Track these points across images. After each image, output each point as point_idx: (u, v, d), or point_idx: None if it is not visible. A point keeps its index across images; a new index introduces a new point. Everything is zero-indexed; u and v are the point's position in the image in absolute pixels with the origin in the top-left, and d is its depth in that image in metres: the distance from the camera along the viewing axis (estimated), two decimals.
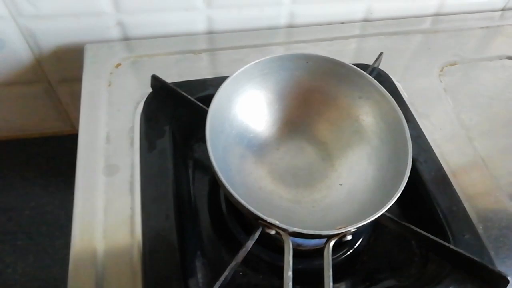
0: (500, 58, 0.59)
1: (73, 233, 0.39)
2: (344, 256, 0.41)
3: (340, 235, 0.32)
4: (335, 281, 0.40)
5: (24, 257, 0.63)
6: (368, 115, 0.42)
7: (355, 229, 0.33)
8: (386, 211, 0.33)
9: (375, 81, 0.40)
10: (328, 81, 0.43)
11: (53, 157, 0.73)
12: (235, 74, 0.39)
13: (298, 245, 0.40)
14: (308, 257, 0.41)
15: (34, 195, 0.69)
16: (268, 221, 0.31)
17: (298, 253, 0.40)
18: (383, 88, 0.40)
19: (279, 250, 0.36)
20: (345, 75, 0.42)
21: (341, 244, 0.42)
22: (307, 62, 0.42)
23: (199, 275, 0.39)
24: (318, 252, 0.39)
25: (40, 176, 0.71)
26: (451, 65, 0.57)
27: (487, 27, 0.64)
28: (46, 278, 0.61)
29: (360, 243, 0.42)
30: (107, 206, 0.41)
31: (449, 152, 0.47)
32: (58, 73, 0.63)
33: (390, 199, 0.32)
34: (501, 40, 0.62)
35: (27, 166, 0.72)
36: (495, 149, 0.48)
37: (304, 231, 0.31)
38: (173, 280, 0.35)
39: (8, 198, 0.69)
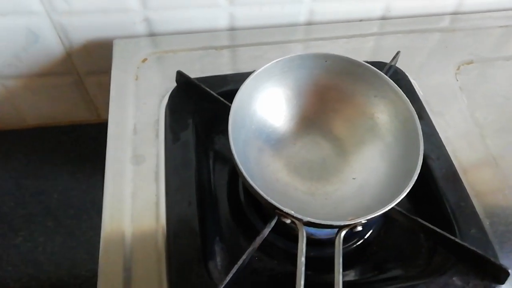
0: None
1: (104, 217, 0.43)
2: (355, 246, 0.43)
3: (351, 226, 0.35)
4: (345, 268, 0.42)
5: (52, 238, 0.67)
6: (383, 113, 0.44)
7: (365, 221, 0.35)
8: (396, 205, 0.35)
9: (391, 80, 0.42)
10: (345, 79, 0.45)
11: (80, 144, 0.77)
12: (256, 72, 0.41)
13: (311, 234, 0.43)
14: (320, 246, 0.43)
15: (62, 180, 0.73)
16: (284, 210, 0.34)
17: (311, 242, 0.43)
18: (398, 88, 0.41)
19: (293, 238, 0.39)
20: (361, 74, 0.44)
21: (352, 234, 0.44)
22: (326, 61, 0.44)
23: (218, 259, 0.42)
24: (330, 242, 0.42)
25: (67, 162, 0.75)
26: (467, 63, 0.58)
27: (506, 26, 0.65)
28: (73, 257, 0.65)
29: (371, 234, 0.44)
30: (134, 193, 0.44)
31: (461, 149, 0.48)
32: (87, 66, 0.66)
33: (400, 195, 0.35)
34: None
35: (56, 152, 0.76)
36: (508, 148, 0.49)
37: (318, 221, 0.34)
38: (195, 262, 0.38)
39: (39, 182, 0.73)
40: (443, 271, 0.39)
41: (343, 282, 0.42)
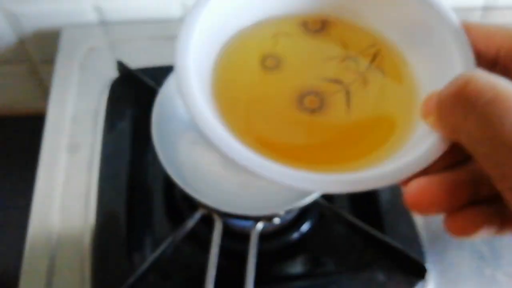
0: None
1: (34, 204, 0.42)
2: (287, 240, 0.43)
3: (267, 218, 0.34)
4: (278, 261, 0.43)
5: (2, 229, 0.66)
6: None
7: (283, 212, 0.35)
8: (334, 200, 0.35)
9: None
10: None
11: (36, 135, 0.76)
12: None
13: (243, 227, 0.42)
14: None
15: (15, 170, 0.72)
16: (199, 200, 0.34)
17: (243, 236, 0.42)
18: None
19: (229, 233, 0.38)
20: None
21: (287, 228, 0.44)
22: None
23: (147, 251, 0.41)
24: (265, 237, 0.41)
25: (20, 152, 0.73)
26: None
27: None
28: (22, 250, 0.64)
29: (305, 229, 0.44)
30: (66, 182, 0.43)
31: None
32: (40, 54, 0.65)
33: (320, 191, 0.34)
34: None
35: (10, 142, 0.75)
36: None
37: (232, 212, 0.33)
38: (117, 253, 0.38)
39: None
40: (369, 266, 0.39)
41: (277, 275, 0.42)
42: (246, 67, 0.24)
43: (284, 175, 0.18)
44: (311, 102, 0.23)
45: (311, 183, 0.18)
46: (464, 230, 0.17)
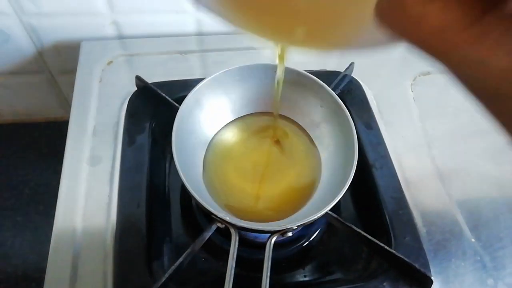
0: None
1: (56, 215, 0.44)
2: (297, 248, 0.45)
3: (281, 232, 0.36)
4: (287, 270, 0.45)
5: (21, 233, 0.69)
6: (327, 123, 0.46)
7: (296, 227, 0.37)
8: (341, 210, 0.37)
9: (333, 92, 0.44)
10: (295, 89, 0.47)
11: (53, 141, 0.79)
12: (205, 80, 0.43)
13: (255, 237, 0.44)
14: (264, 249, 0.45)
15: (34, 176, 0.75)
16: (218, 215, 0.36)
17: (256, 245, 0.45)
18: (339, 99, 0.43)
19: (241, 242, 0.40)
20: (309, 85, 0.45)
21: (297, 237, 0.46)
22: (274, 72, 0.46)
23: (165, 259, 0.44)
24: (275, 246, 0.44)
25: (40, 158, 0.76)
26: (424, 75, 0.60)
27: None
28: (40, 252, 0.66)
29: (314, 238, 0.46)
30: (88, 193, 0.46)
31: (407, 159, 0.50)
32: (59, 65, 0.68)
33: (329, 204, 0.36)
34: None
35: (30, 148, 0.78)
36: (452, 158, 0.51)
37: (248, 226, 0.35)
38: (138, 262, 0.40)
39: (11, 177, 0.75)
40: (376, 276, 0.41)
41: (287, 283, 0.44)
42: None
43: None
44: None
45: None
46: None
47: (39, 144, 0.78)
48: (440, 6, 0.13)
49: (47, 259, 0.42)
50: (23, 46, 0.63)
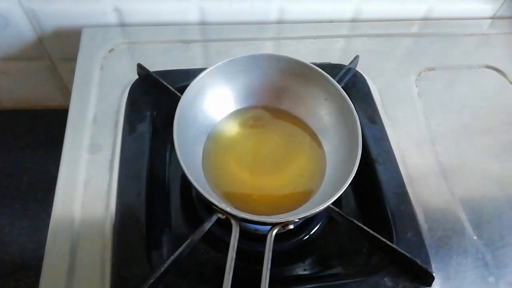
0: (479, 66, 0.61)
1: (55, 202, 0.44)
2: (298, 242, 0.45)
3: (283, 224, 0.36)
4: (287, 263, 0.44)
5: (19, 220, 0.68)
6: (331, 115, 0.45)
7: (298, 220, 0.36)
8: (343, 204, 0.37)
9: (338, 84, 0.43)
10: (298, 81, 0.46)
11: (53, 129, 0.78)
12: (208, 70, 0.43)
13: (256, 229, 0.44)
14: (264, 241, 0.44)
15: (33, 163, 0.74)
16: (219, 206, 0.35)
17: (256, 237, 0.44)
18: (344, 92, 0.43)
19: (241, 234, 0.40)
20: (313, 77, 0.45)
21: (297, 230, 0.46)
22: (279, 63, 0.45)
23: (164, 249, 0.43)
24: (275, 239, 0.43)
25: (39, 146, 0.76)
26: (429, 70, 0.60)
27: (472, 35, 0.66)
28: (38, 240, 0.66)
29: (315, 231, 0.46)
30: (88, 180, 0.45)
31: (411, 154, 0.50)
32: (59, 52, 0.67)
33: (331, 198, 0.36)
34: (484, 49, 0.64)
35: (29, 136, 0.77)
36: (456, 155, 0.51)
37: (250, 217, 0.35)
38: (137, 252, 0.40)
39: (10, 164, 0.74)
40: (377, 271, 0.41)
41: (287, 276, 0.44)
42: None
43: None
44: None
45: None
46: None
47: (38, 132, 0.77)
48: None
49: (45, 247, 0.41)
50: (23, 31, 0.62)
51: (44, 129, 0.78)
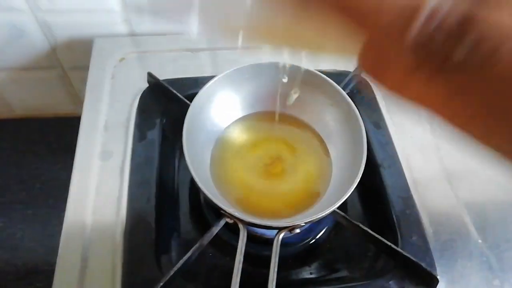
0: None
1: (67, 208, 0.45)
2: (304, 246, 0.46)
3: (289, 228, 0.37)
4: (294, 266, 0.45)
5: (31, 225, 0.70)
6: (337, 121, 0.46)
7: (304, 224, 0.37)
8: (348, 208, 0.39)
9: (343, 91, 0.44)
10: (304, 88, 0.47)
11: (64, 137, 0.80)
12: (216, 78, 0.44)
13: (263, 234, 0.45)
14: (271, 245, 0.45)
15: (44, 170, 0.76)
16: (227, 211, 0.36)
17: (263, 241, 0.45)
18: (349, 99, 0.43)
19: (248, 238, 0.41)
20: (318, 84, 0.46)
21: (304, 234, 0.47)
22: (285, 70, 0.46)
23: (173, 254, 0.44)
24: (282, 243, 0.44)
25: (51, 153, 0.77)
26: None
27: None
28: (49, 245, 0.67)
29: (321, 235, 0.47)
30: (99, 187, 0.46)
31: (416, 159, 0.50)
32: (71, 61, 0.69)
33: (336, 202, 0.37)
34: None
35: (40, 143, 0.79)
36: (460, 160, 0.51)
37: (257, 221, 0.36)
38: (147, 256, 0.41)
39: (22, 171, 0.76)
40: (382, 274, 0.42)
41: (293, 280, 0.45)
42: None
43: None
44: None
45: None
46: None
47: (49, 139, 0.79)
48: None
49: (55, 253, 0.42)
50: (37, 42, 0.64)
51: (56, 136, 0.80)
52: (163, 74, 0.54)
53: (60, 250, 0.42)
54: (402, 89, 0.20)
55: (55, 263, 0.42)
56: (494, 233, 0.45)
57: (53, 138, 0.79)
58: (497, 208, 0.47)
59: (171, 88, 0.50)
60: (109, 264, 0.41)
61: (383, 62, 0.19)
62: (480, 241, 0.45)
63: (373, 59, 0.20)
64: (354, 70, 0.54)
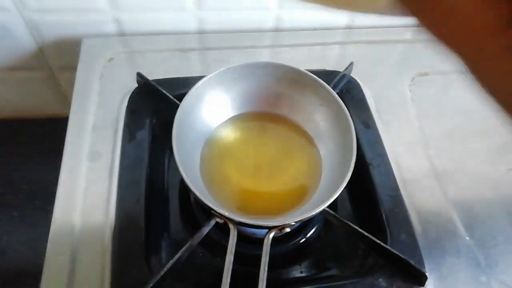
0: None
1: (55, 209, 0.45)
2: (295, 245, 0.46)
3: (279, 227, 0.37)
4: (285, 265, 0.45)
5: (17, 228, 0.69)
6: (327, 121, 0.46)
7: (294, 223, 0.37)
8: (338, 207, 0.39)
9: (333, 91, 0.44)
10: (294, 88, 0.47)
11: (52, 138, 0.78)
12: (206, 78, 0.44)
13: (253, 233, 0.45)
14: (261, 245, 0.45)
15: (31, 171, 0.75)
16: (217, 211, 0.36)
17: (254, 240, 0.45)
18: (339, 98, 0.44)
19: (239, 237, 0.41)
20: (308, 84, 0.46)
21: (293, 233, 0.47)
22: (275, 70, 0.46)
23: (164, 254, 0.44)
24: (272, 242, 0.44)
25: (38, 154, 0.76)
26: (422, 75, 0.61)
27: None
28: (36, 248, 0.67)
29: (311, 234, 0.47)
30: (87, 188, 0.46)
31: (404, 158, 0.51)
32: (59, 61, 0.68)
33: (326, 201, 0.37)
34: None
35: (27, 144, 0.78)
36: (449, 158, 0.52)
37: (247, 221, 0.36)
38: (137, 257, 0.41)
39: (8, 172, 0.75)
40: (372, 272, 0.42)
41: (284, 279, 0.45)
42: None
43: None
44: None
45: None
46: None
47: (37, 140, 0.78)
48: (476, 3, 0.12)
49: (43, 255, 0.42)
50: (24, 41, 0.63)
51: (43, 137, 0.79)
52: (153, 74, 0.53)
53: (48, 252, 0.42)
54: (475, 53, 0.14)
55: (43, 265, 0.41)
56: (481, 230, 0.46)
57: (41, 139, 0.78)
58: (485, 206, 0.48)
59: (160, 88, 0.50)
60: (98, 266, 0.41)
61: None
62: (467, 238, 0.45)
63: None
64: (344, 70, 0.54)
